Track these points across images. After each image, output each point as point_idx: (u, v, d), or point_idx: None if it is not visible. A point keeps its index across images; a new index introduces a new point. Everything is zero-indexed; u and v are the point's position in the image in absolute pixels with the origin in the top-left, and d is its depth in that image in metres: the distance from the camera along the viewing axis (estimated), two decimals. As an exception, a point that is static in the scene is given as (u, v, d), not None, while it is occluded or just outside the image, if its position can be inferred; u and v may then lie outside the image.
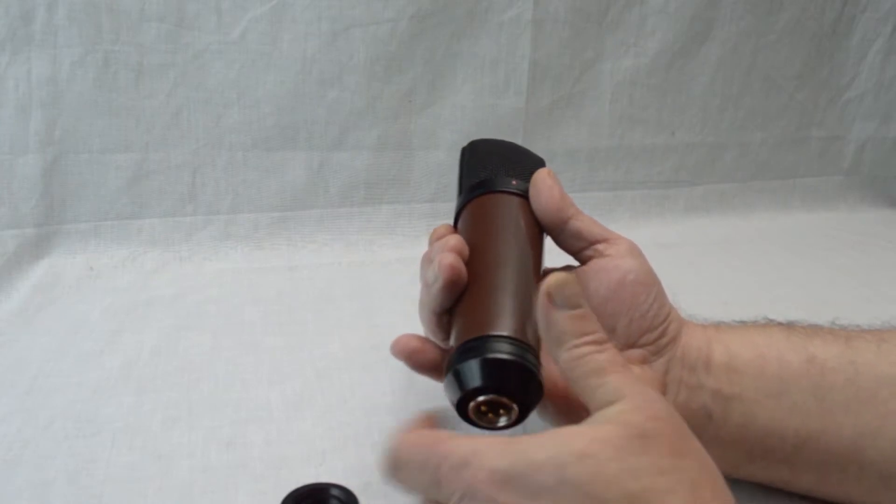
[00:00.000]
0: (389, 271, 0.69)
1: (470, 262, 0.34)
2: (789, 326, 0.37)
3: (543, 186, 0.37)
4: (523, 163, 0.41)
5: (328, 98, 0.72)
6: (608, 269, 0.36)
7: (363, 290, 0.65)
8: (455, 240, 0.35)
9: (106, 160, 0.67)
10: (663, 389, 0.35)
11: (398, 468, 0.27)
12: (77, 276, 0.65)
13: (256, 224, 0.73)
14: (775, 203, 0.95)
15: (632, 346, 0.35)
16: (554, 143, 0.81)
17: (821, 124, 0.96)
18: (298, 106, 0.71)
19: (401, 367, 0.49)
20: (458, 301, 0.34)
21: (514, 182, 0.38)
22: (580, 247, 0.37)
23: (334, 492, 0.35)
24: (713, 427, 0.35)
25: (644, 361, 0.35)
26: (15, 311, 0.59)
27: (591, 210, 0.85)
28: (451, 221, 0.41)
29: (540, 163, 0.42)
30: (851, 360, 0.34)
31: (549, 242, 0.39)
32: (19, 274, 0.64)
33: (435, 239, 0.38)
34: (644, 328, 0.35)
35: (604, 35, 0.80)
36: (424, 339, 0.36)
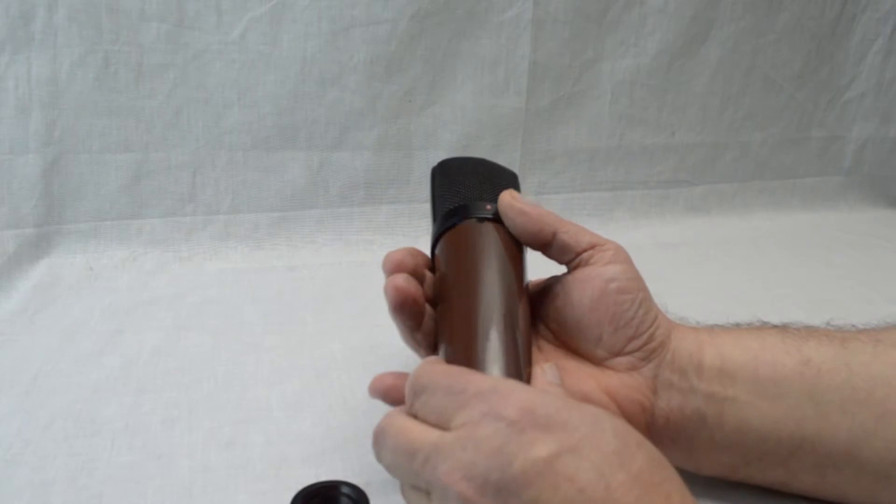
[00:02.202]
0: (389, 271, 0.69)
1: (451, 299, 0.35)
2: (783, 329, 0.37)
3: (512, 213, 0.37)
4: (496, 183, 0.41)
5: (328, 98, 0.72)
6: (590, 278, 0.35)
7: (363, 290, 0.65)
8: (393, 259, 0.37)
9: (106, 160, 0.67)
10: (654, 395, 0.35)
11: (422, 392, 0.28)
12: (77, 276, 0.65)
13: (256, 224, 0.73)
14: (775, 203, 0.95)
15: (619, 354, 0.35)
16: (554, 143, 0.81)
17: (821, 124, 0.95)
18: (298, 106, 0.71)
19: (401, 368, 0.50)
20: (445, 334, 0.34)
21: (488, 207, 0.38)
22: (568, 258, 0.37)
23: (345, 490, 0.35)
24: (707, 430, 0.35)
25: (633, 369, 0.35)
26: (15, 311, 0.59)
27: (591, 210, 0.86)
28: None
29: (513, 178, 0.42)
30: (847, 361, 0.34)
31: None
32: (19, 274, 0.64)
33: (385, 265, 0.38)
34: (629, 335, 0.35)
35: (604, 35, 0.80)
36: (398, 375, 0.36)
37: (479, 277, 0.35)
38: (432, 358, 0.31)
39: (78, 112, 0.66)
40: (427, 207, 0.77)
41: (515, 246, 0.37)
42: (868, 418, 0.33)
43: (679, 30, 0.83)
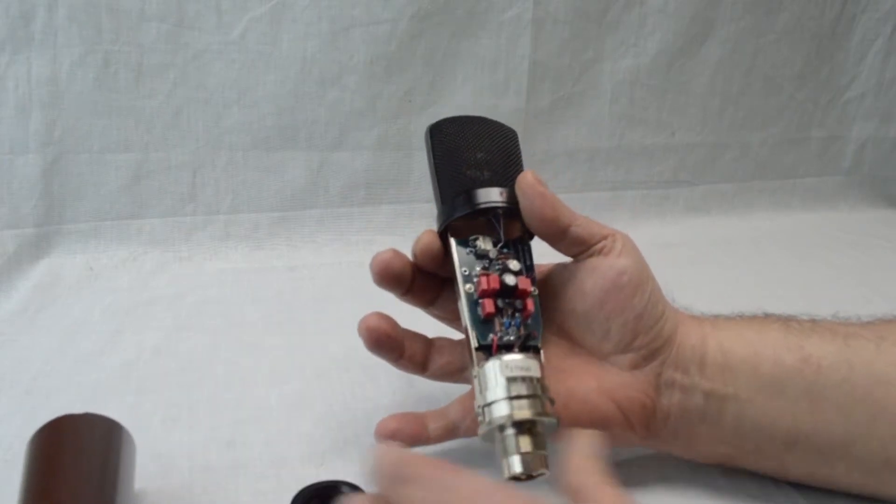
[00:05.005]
0: (389, 271, 0.69)
1: None
2: (787, 322, 0.36)
3: (533, 193, 0.34)
4: (501, 154, 0.38)
5: (328, 98, 0.72)
6: (603, 268, 0.35)
7: (363, 290, 0.64)
8: (380, 260, 0.37)
9: (106, 160, 0.67)
10: (656, 393, 0.35)
11: (405, 482, 0.24)
12: (77, 276, 0.65)
13: (256, 224, 0.73)
14: (775, 203, 0.95)
15: (624, 350, 0.35)
16: (554, 143, 0.81)
17: (821, 124, 0.95)
18: (298, 106, 0.71)
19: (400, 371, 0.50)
20: None
21: (500, 193, 0.35)
22: (579, 251, 0.36)
23: (345, 490, 0.34)
24: (707, 426, 0.35)
25: (636, 367, 0.35)
26: (15, 311, 0.59)
27: (591, 210, 0.85)
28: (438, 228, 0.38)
29: (513, 138, 0.39)
30: (847, 358, 0.34)
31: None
32: (19, 274, 0.64)
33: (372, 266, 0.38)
34: (638, 330, 0.35)
35: (604, 35, 0.80)
36: (400, 417, 0.37)
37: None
38: (396, 445, 0.29)
39: (78, 112, 0.66)
40: (427, 207, 0.78)
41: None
42: (864, 417, 0.33)
43: (679, 30, 0.83)
